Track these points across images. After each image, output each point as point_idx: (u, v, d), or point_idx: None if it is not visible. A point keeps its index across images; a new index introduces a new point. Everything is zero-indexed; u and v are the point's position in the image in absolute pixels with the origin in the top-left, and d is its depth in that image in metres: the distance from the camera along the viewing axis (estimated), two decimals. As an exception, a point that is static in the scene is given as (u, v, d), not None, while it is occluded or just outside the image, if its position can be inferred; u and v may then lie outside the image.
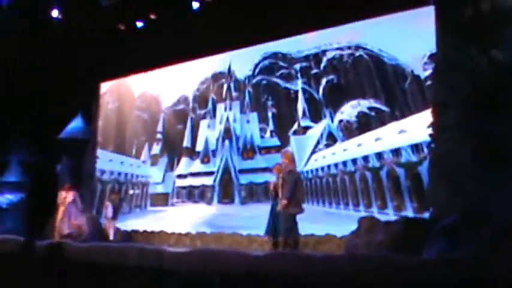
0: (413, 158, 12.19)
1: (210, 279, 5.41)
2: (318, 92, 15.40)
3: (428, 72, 12.29)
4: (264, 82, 16.99)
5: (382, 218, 10.47)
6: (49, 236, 12.98)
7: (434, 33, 10.33)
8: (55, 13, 13.99)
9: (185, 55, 15.42)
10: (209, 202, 16.94)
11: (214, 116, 18.16)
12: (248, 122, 17.50)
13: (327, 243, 12.24)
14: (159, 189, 18.49)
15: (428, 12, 10.69)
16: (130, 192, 18.46)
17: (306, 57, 15.79)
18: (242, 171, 16.85)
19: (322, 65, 15.43)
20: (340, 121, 14.71)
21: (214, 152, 17.81)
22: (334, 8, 12.23)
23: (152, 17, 14.16)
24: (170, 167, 18.58)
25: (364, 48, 14.67)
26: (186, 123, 18.59)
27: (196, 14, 13.50)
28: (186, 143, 18.40)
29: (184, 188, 17.89)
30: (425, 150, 11.49)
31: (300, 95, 15.97)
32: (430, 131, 9.91)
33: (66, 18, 14.13)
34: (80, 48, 15.14)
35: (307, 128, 15.75)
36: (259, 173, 16.40)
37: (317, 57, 15.52)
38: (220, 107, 18.14)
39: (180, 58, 15.76)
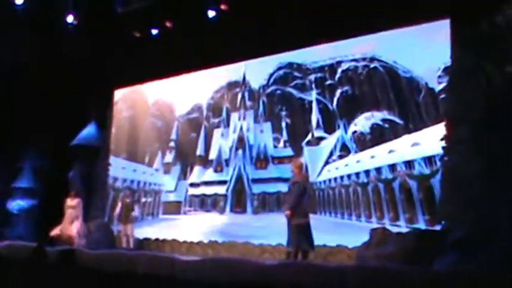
0: (426, 171, 12.16)
1: (220, 288, 5.43)
2: (332, 103, 15.39)
3: (442, 86, 12.26)
4: (279, 92, 17.01)
5: (394, 229, 10.46)
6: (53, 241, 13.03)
7: (449, 47, 10.34)
8: (70, 18, 14.07)
9: (200, 64, 15.46)
10: (221, 211, 16.95)
11: (228, 125, 18.19)
12: (262, 131, 17.51)
13: (338, 254, 12.22)
14: (172, 197, 18.51)
15: (444, 26, 10.71)
16: (143, 200, 18.50)
17: (321, 68, 15.79)
18: (255, 180, 16.85)
19: (337, 76, 15.43)
20: (354, 132, 14.71)
21: (227, 161, 17.83)
22: (350, 20, 12.25)
23: (168, 24, 14.21)
24: (183, 175, 18.60)
25: (379, 60, 14.66)
26: (199, 131, 18.62)
27: (212, 22, 13.53)
28: (200, 151, 18.44)
29: (196, 196, 17.90)
30: (438, 163, 11.46)
31: (314, 105, 15.96)
32: (443, 143, 9.90)
33: (81, 24, 14.21)
34: (94, 54, 15.21)
35: (320, 138, 15.76)
36: (272, 182, 16.40)
37: (332, 68, 15.53)
38: (234, 116, 18.17)
39: (195, 66, 15.79)
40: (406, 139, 13.16)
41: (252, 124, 17.59)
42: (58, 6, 13.99)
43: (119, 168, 18.31)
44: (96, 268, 6.85)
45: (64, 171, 15.97)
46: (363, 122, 14.57)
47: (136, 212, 14.68)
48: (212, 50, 14.47)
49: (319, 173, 15.49)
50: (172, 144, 19.24)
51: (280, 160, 16.84)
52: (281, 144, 16.96)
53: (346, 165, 14.82)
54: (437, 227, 10.21)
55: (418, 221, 12.14)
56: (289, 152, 16.55)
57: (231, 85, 18.19)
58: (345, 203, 14.56)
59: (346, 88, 15.20)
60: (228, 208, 16.93)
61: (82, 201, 13.87)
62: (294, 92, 16.63)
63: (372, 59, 14.77)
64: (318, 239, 10.97)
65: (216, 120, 18.55)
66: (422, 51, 12.68)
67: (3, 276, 8.09)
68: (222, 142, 18.16)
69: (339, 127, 15.08)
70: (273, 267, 5.51)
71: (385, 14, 11.70)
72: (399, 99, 13.99)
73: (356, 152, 14.60)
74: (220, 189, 17.43)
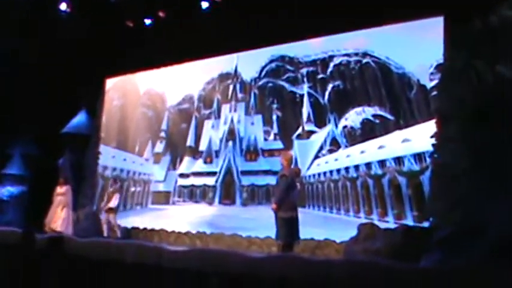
0: (416, 167, 12.22)
1: (208, 279, 5.44)
2: (323, 97, 15.40)
3: (434, 83, 12.31)
4: (270, 85, 16.98)
5: (382, 225, 10.51)
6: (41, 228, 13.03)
7: (442, 44, 10.38)
8: (63, 6, 14.02)
9: (192, 54, 15.46)
10: (210, 202, 16.94)
11: (218, 116, 18.14)
12: (252, 124, 17.48)
13: (326, 248, 12.28)
14: (161, 187, 18.50)
15: (437, 23, 10.74)
16: (132, 189, 18.50)
17: (313, 62, 15.78)
18: (244, 172, 16.84)
19: (329, 70, 15.43)
20: (344, 127, 14.72)
21: (217, 153, 17.80)
22: (343, 14, 12.27)
23: (161, 14, 14.20)
24: (173, 165, 18.57)
25: (372, 56, 14.66)
26: (190, 122, 18.58)
27: (205, 13, 13.54)
28: (190, 142, 18.41)
29: (186, 187, 17.88)
30: (428, 160, 11.51)
31: (306, 99, 15.94)
32: (433, 141, 9.92)
33: (73, 13, 14.17)
34: (86, 43, 15.17)
35: (311, 132, 15.74)
36: (261, 175, 16.39)
37: (324, 62, 15.52)
38: (225, 107, 18.13)
39: (187, 57, 15.80)
40: (397, 135, 13.20)
41: (243, 116, 17.56)
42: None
43: (108, 157, 18.31)
44: (85, 256, 6.86)
45: (54, 158, 15.96)
46: (353, 117, 14.59)
47: (115, 201, 14.55)
48: (205, 41, 14.47)
49: (309, 167, 15.49)
50: (162, 134, 19.20)
51: (270, 153, 16.82)
52: (271, 137, 16.94)
53: (336, 159, 14.84)
54: (426, 224, 10.24)
55: (406, 217, 12.20)
56: (279, 145, 16.54)
57: (223, 77, 18.15)
58: (334, 198, 14.56)
59: (337, 82, 15.20)
60: (217, 199, 16.92)
61: (71, 188, 13.88)
62: (286, 85, 16.61)
63: (365, 54, 14.76)
64: (306, 232, 11.04)
65: (207, 112, 18.50)
66: (415, 48, 12.71)
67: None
68: (212, 133, 18.12)
69: (329, 121, 15.06)
70: (261, 260, 5.52)
71: (379, 10, 11.73)
72: (391, 95, 14.01)
73: (346, 146, 14.61)
74: (210, 181, 17.41)
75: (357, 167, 13.96)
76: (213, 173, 17.45)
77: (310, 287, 4.95)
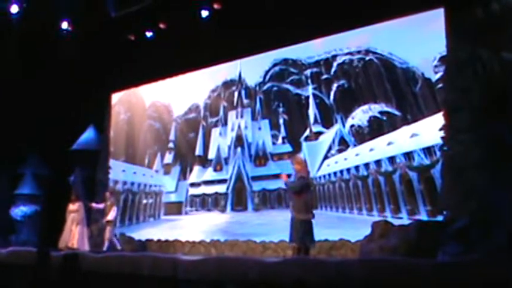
0: (426, 161, 12.15)
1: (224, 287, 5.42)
2: (328, 97, 15.38)
3: (439, 75, 12.24)
4: (275, 89, 16.99)
5: (396, 222, 10.47)
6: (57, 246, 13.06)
7: (444, 36, 10.31)
8: (64, 25, 14.06)
9: (195, 63, 15.44)
10: (223, 210, 16.94)
11: (225, 123, 18.17)
12: (260, 129, 17.50)
13: (341, 249, 12.20)
14: (173, 198, 18.51)
15: (438, 15, 10.67)
16: (144, 201, 18.51)
17: (316, 63, 15.77)
18: (255, 178, 16.85)
19: (333, 70, 15.41)
20: (352, 126, 14.69)
21: (226, 160, 17.82)
22: (343, 13, 12.22)
23: (162, 26, 14.20)
24: (183, 175, 18.60)
25: (374, 53, 14.63)
26: (197, 131, 18.63)
27: (205, 22, 13.52)
28: (198, 151, 18.43)
29: (197, 196, 17.89)
30: (438, 153, 11.44)
31: (311, 100, 15.93)
32: (442, 133, 9.86)
33: (76, 30, 14.20)
34: (90, 59, 15.19)
35: (318, 133, 15.74)
36: (272, 179, 16.38)
37: (327, 62, 15.51)
38: (231, 114, 18.15)
39: (191, 67, 15.77)
40: (405, 130, 13.15)
41: (250, 122, 17.58)
42: (53, 13, 13.98)
43: (119, 171, 18.31)
44: (100, 271, 6.85)
45: (65, 176, 15.98)
46: (360, 115, 14.55)
47: (113, 213, 14.37)
48: (207, 50, 14.44)
49: (319, 168, 15.48)
50: (171, 145, 19.24)
51: (280, 156, 16.83)
52: (279, 140, 16.94)
53: (346, 159, 14.81)
54: (440, 218, 10.17)
55: (419, 212, 12.13)
56: (288, 148, 16.54)
57: (228, 84, 18.18)
58: (346, 197, 14.55)
59: (342, 82, 15.18)
60: (229, 207, 16.92)
61: (83, 204, 13.90)
62: (291, 88, 16.61)
63: (367, 52, 14.73)
64: (321, 233, 10.99)
65: (214, 120, 18.54)
66: (417, 41, 12.66)
67: (9, 281, 8.09)
68: (220, 141, 18.15)
69: (336, 121, 15.05)
70: (277, 264, 5.50)
71: (378, 6, 11.67)
72: (396, 90, 13.97)
73: (355, 145, 14.58)
74: (221, 188, 17.42)
75: (367, 165, 13.92)
76: (223, 181, 17.47)
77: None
